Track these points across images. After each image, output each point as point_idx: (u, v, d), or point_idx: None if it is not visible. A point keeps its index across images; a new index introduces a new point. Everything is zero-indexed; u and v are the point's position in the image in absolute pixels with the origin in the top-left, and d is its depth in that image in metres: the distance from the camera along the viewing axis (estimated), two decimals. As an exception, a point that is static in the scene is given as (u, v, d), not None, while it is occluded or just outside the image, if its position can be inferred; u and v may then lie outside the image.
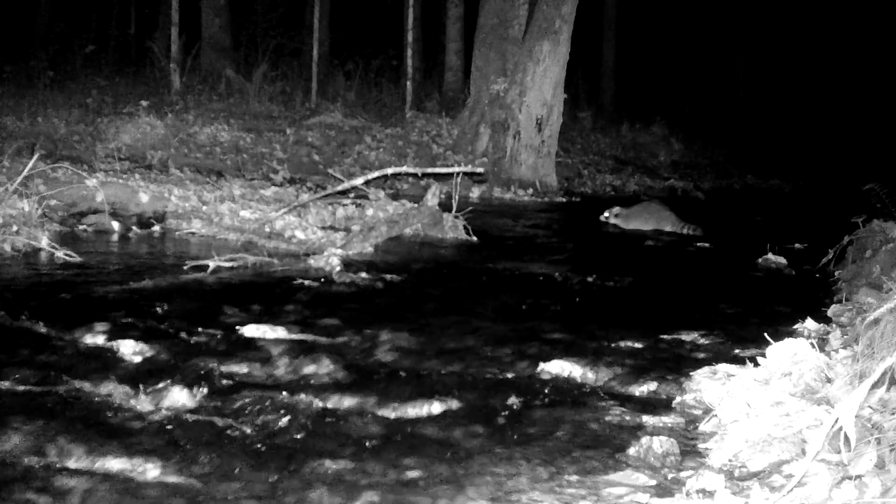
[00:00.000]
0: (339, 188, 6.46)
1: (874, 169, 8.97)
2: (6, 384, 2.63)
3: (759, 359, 2.85)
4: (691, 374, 2.94)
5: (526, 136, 9.54)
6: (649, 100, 16.77)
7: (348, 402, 2.63)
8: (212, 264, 4.45)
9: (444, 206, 6.22)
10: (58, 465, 2.12)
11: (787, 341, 2.83)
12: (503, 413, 2.60)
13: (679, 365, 3.12)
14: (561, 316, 3.94)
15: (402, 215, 5.96)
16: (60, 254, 4.55)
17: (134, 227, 5.47)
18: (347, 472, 2.15)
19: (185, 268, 4.42)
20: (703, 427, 2.52)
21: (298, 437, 2.37)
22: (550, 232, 6.99)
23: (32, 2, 14.68)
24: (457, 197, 6.27)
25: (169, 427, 2.38)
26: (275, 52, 12.81)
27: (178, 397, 2.60)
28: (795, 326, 3.67)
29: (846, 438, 1.90)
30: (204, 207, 5.95)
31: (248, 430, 2.39)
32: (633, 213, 7.44)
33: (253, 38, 12.95)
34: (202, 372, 2.82)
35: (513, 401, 2.71)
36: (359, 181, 6.54)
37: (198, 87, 11.23)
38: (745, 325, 3.84)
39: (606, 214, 7.46)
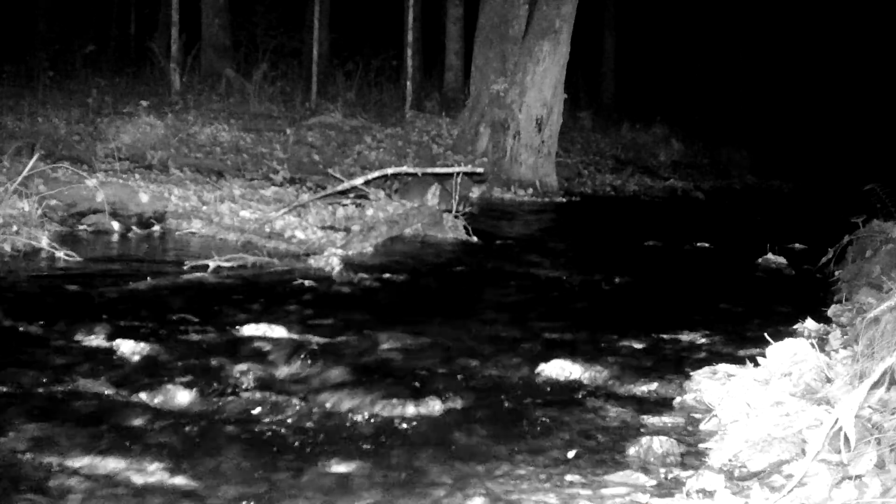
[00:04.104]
0: (339, 188, 6.45)
1: (874, 169, 8.97)
2: (6, 384, 2.63)
3: (759, 359, 2.86)
4: (691, 374, 2.94)
5: (526, 136, 9.53)
6: (649, 100, 16.75)
7: (348, 402, 2.63)
8: (212, 264, 4.45)
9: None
10: (58, 465, 2.12)
11: (787, 341, 2.83)
12: (503, 413, 2.60)
13: (679, 365, 3.13)
14: (561, 316, 3.94)
15: (402, 215, 5.96)
16: (60, 254, 4.55)
17: (134, 227, 5.47)
18: (347, 471, 2.15)
19: (185, 268, 4.43)
20: (703, 427, 2.53)
21: (298, 436, 2.37)
22: (550, 232, 6.99)
23: (32, 2, 14.68)
24: (457, 197, 6.27)
25: (169, 427, 2.38)
26: (275, 52, 12.81)
27: (178, 397, 2.60)
28: (795, 326, 3.67)
29: (846, 438, 1.90)
30: (204, 207, 5.95)
31: (248, 430, 2.39)
32: (407, 191, 7.02)
33: (253, 38, 12.94)
34: (202, 372, 2.83)
35: (513, 401, 2.71)
36: (359, 181, 6.54)
37: (198, 87, 11.23)
38: (745, 325, 3.84)
39: (381, 194, 6.72)
